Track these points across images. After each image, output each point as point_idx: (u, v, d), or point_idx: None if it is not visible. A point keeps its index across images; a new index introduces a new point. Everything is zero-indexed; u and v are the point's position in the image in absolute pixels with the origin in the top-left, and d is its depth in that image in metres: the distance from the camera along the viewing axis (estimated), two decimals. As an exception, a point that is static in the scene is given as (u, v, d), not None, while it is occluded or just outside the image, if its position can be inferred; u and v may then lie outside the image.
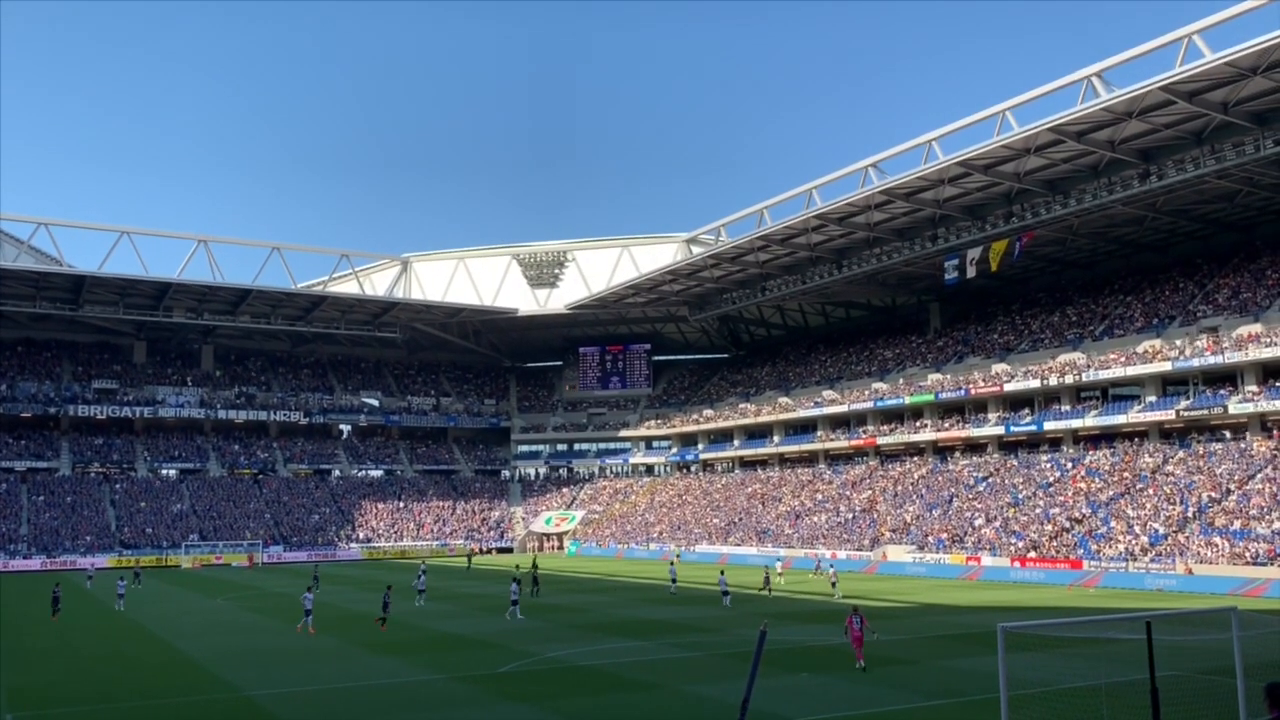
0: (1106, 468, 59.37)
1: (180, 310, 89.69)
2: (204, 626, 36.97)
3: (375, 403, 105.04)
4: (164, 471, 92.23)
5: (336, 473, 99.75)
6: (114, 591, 45.50)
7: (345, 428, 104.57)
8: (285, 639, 32.54)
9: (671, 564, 53.20)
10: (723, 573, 43.25)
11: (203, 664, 27.43)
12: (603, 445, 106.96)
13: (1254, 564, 43.76)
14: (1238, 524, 47.19)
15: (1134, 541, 49.85)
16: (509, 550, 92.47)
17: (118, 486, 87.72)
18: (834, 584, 45.38)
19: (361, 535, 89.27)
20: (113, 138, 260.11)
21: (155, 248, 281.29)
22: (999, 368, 70.06)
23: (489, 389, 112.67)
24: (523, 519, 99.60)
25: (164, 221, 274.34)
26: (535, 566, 49.29)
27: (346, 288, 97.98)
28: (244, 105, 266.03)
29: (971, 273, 62.34)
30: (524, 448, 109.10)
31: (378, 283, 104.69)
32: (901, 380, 78.05)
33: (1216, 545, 46.25)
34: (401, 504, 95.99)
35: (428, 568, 44.09)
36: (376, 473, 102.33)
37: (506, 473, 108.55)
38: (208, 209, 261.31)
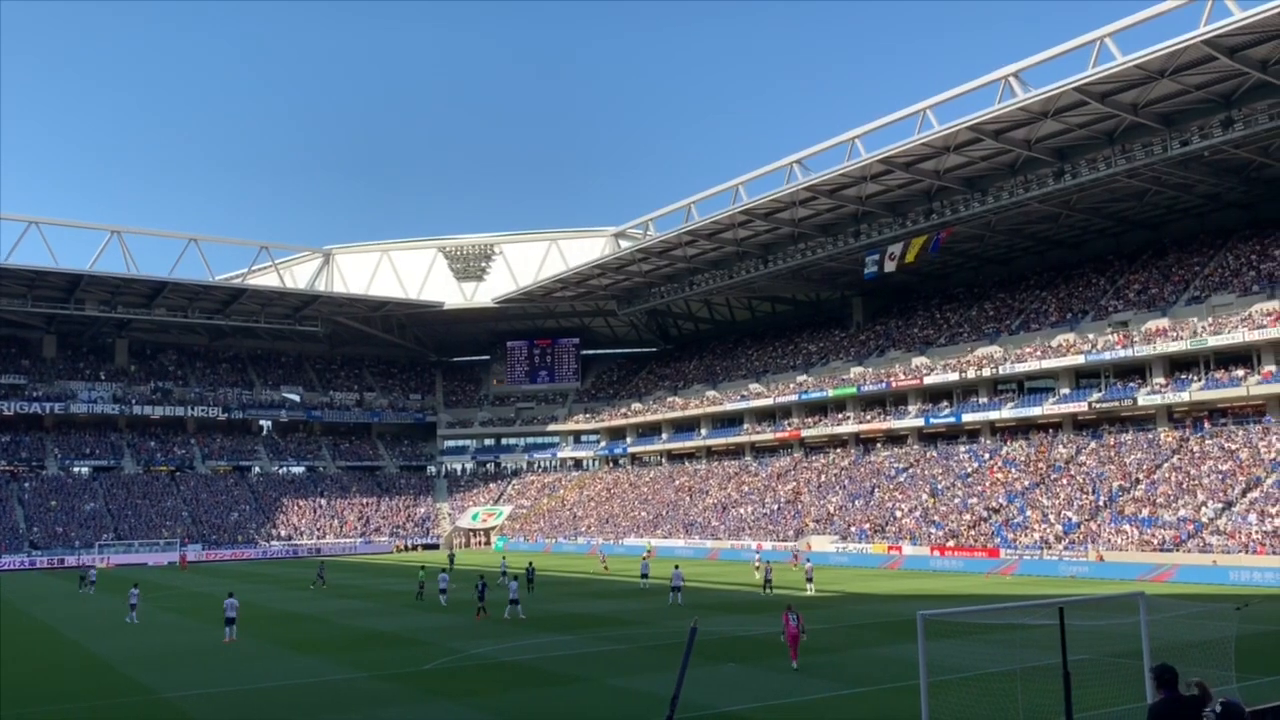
0: (1022, 458, 60.97)
1: (93, 303, 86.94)
2: (119, 627, 35.93)
3: (296, 398, 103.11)
4: (76, 469, 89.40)
5: (257, 469, 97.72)
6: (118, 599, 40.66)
7: (265, 423, 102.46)
8: (204, 639, 31.77)
9: (644, 559, 51.09)
10: (677, 566, 42.53)
11: (118, 666, 26.68)
12: (531, 440, 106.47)
13: (1160, 550, 45.34)
14: (1146, 512, 48.85)
15: (1048, 530, 51.29)
16: (434, 547, 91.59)
17: (26, 485, 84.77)
18: (809, 579, 43.13)
19: (283, 533, 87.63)
20: (20, 128, 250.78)
21: (66, 239, 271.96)
22: (919, 361, 71.47)
23: (414, 383, 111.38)
24: (449, 515, 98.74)
25: (75, 214, 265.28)
26: (530, 566, 48.15)
27: (266, 280, 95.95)
28: (158, 97, 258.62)
29: (890, 267, 63.50)
30: (450, 443, 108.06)
31: (299, 275, 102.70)
32: (825, 374, 79.15)
33: (1126, 533, 47.82)
34: (324, 501, 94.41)
35: (449, 573, 43.41)
36: (298, 469, 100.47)
37: (432, 468, 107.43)
38: (121, 202, 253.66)
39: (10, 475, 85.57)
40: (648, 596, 42.26)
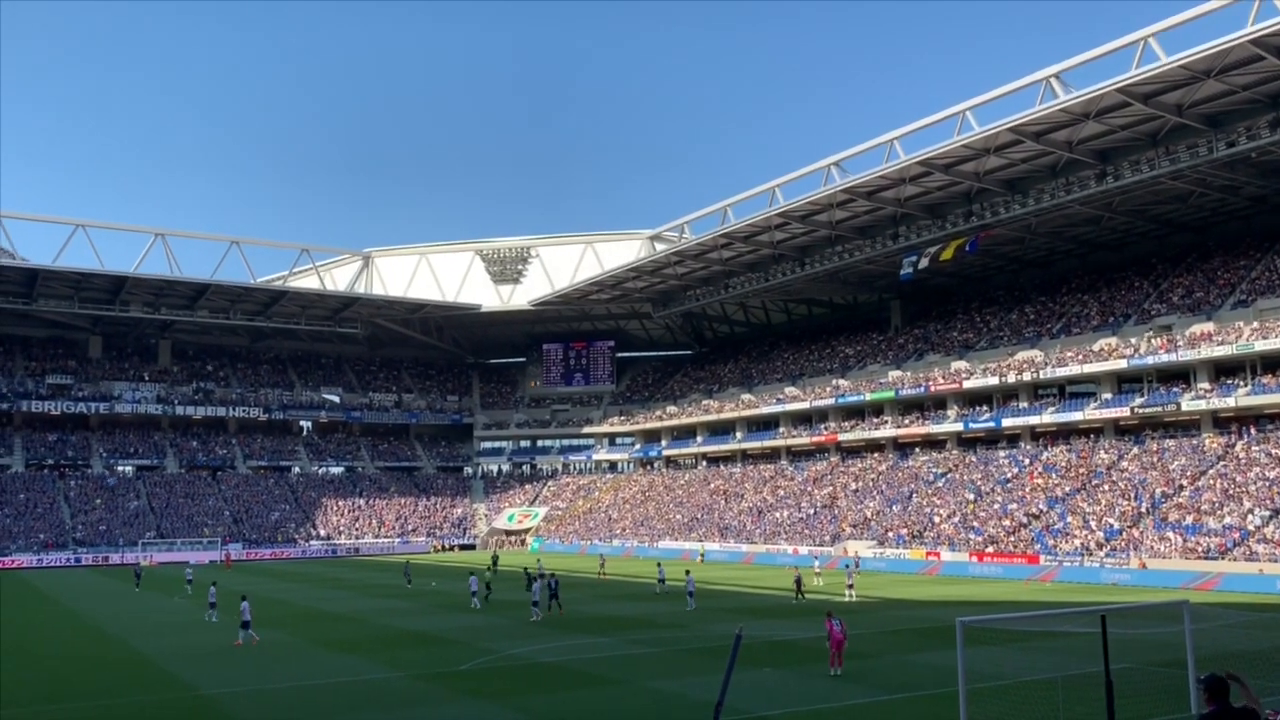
0: (1063, 464, 60.19)
1: (137, 305, 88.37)
2: (160, 625, 36.47)
3: (336, 399, 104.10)
4: (120, 468, 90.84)
5: (296, 469, 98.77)
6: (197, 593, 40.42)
7: (305, 424, 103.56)
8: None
9: (659, 564, 50.24)
10: (688, 572, 42.52)
11: (159, 663, 27.07)
12: (566, 442, 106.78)
13: (1205, 558, 44.56)
14: (1190, 519, 48.04)
15: (1089, 536, 50.60)
16: (471, 547, 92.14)
17: (72, 484, 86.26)
18: (850, 585, 42.30)
19: (322, 533, 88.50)
20: (69, 132, 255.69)
21: (111, 241, 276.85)
22: (958, 365, 70.79)
23: (451, 385, 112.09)
24: (485, 516, 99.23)
25: (121, 217, 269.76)
26: (526, 570, 47.57)
27: (307, 283, 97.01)
28: (202, 101, 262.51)
29: (923, 263, 62.98)
30: (487, 444, 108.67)
31: (339, 278, 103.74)
32: (863, 377, 78.62)
33: (1169, 540, 47.05)
34: (363, 501, 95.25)
35: (478, 575, 43.59)
36: (337, 469, 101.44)
37: (469, 469, 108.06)
38: (165, 205, 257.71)
39: (57, 474, 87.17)
40: (668, 600, 41.93)
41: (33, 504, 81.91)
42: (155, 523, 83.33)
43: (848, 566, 47.37)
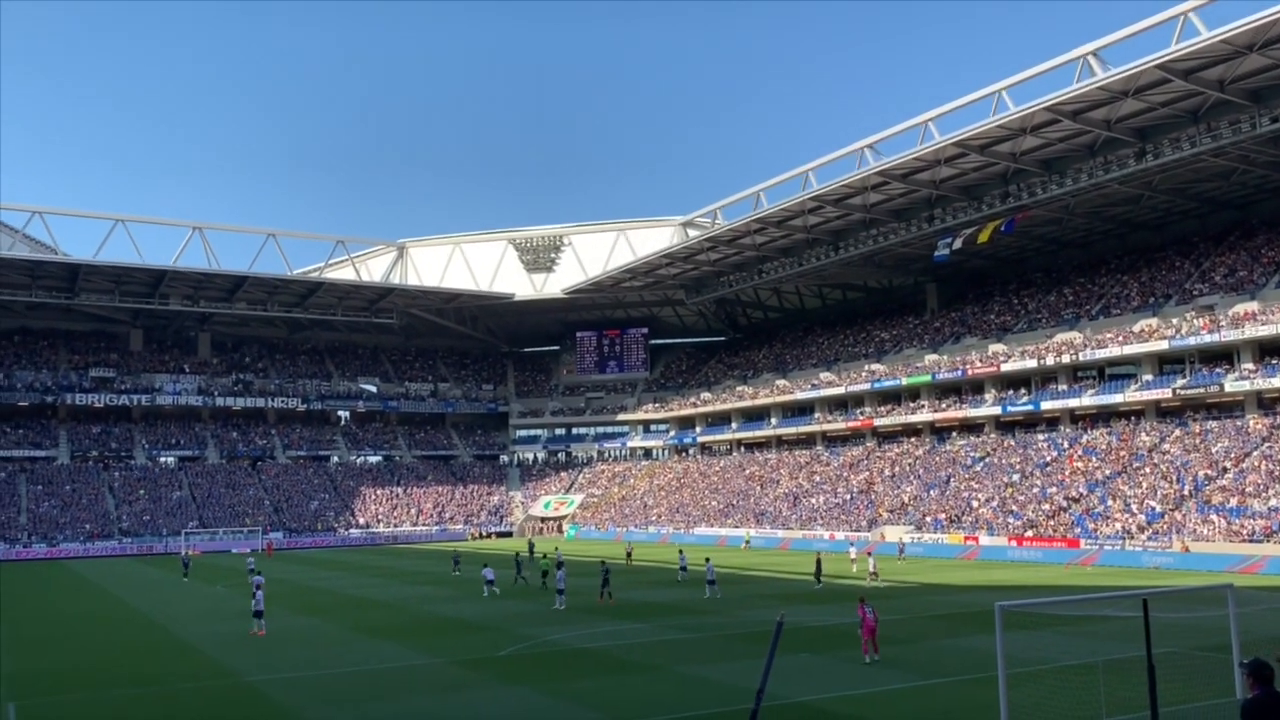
0: (1103, 447, 59.50)
1: (176, 298, 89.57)
2: (203, 613, 37.06)
3: (373, 389, 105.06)
4: (162, 459, 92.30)
5: (335, 459, 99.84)
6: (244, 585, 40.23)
7: (343, 414, 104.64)
8: (287, 624, 32.57)
9: (680, 551, 50.38)
10: (708, 559, 42.30)
11: (203, 650, 27.51)
12: (601, 429, 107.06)
13: (1250, 541, 43.92)
14: (1234, 501, 47.34)
15: (1131, 520, 50.01)
16: (508, 534, 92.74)
17: (116, 475, 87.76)
18: (873, 571, 42.07)
19: (361, 521, 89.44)
20: (108, 128, 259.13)
21: (151, 236, 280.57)
22: (996, 348, 70.10)
23: (486, 374, 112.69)
24: (521, 503, 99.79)
25: (159, 211, 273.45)
26: (542, 558, 47.67)
27: (343, 274, 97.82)
28: (238, 95, 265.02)
29: (957, 244, 62.36)
30: (522, 432, 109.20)
31: (374, 269, 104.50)
32: (899, 361, 78.09)
33: (1213, 523, 46.41)
34: (400, 489, 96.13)
35: (490, 563, 43.76)
36: (375, 458, 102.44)
37: (505, 457, 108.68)
38: (203, 198, 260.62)
39: (101, 465, 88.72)
40: (699, 586, 41.66)
41: (78, 495, 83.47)
42: (197, 512, 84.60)
43: (870, 554, 47.06)
